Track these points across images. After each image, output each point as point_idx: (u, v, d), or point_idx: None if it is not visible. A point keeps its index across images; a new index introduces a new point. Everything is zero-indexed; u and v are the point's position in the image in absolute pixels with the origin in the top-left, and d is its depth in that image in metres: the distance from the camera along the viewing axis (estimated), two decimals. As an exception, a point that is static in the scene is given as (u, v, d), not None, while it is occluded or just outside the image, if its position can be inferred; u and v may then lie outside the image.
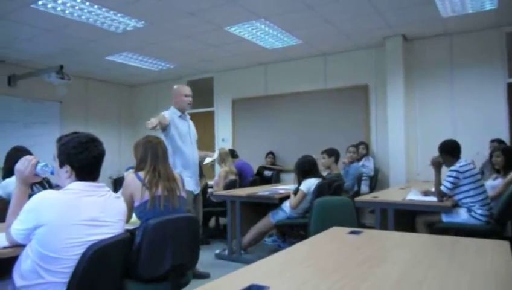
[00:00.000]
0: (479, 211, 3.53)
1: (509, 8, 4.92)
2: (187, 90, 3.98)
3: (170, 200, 2.40)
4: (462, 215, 3.59)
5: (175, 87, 4.06)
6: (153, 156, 2.48)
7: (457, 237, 2.08)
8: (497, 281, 1.35)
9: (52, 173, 1.91)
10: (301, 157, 4.52)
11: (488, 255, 1.70)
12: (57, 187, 2.13)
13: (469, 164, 3.67)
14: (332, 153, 5.13)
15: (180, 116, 3.89)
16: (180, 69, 7.83)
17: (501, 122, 5.58)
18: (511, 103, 5.57)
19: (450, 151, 3.75)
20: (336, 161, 5.17)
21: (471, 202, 3.57)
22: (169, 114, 3.77)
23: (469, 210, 3.57)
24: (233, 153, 6.53)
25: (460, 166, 3.62)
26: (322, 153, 5.16)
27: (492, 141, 5.18)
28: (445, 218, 3.63)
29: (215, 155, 4.40)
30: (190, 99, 3.96)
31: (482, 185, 3.65)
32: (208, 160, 4.38)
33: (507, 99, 5.58)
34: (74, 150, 1.80)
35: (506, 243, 1.83)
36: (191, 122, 4.05)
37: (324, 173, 4.90)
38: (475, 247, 1.86)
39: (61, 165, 1.83)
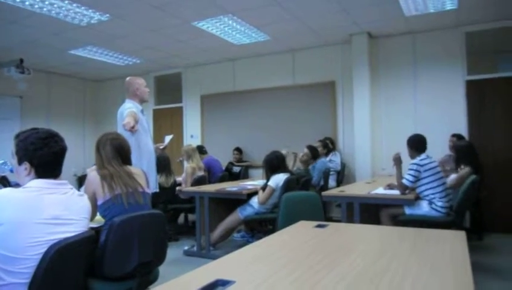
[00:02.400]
0: (439, 203, 3.68)
1: (469, 8, 5.11)
2: (144, 80, 3.91)
3: (134, 197, 2.36)
4: (423, 208, 3.72)
5: (130, 79, 3.85)
6: (108, 154, 2.43)
7: (419, 229, 2.16)
8: (455, 269, 1.41)
9: (11, 170, 1.84)
10: (270, 153, 4.55)
11: (447, 245, 1.78)
12: (16, 185, 2.05)
13: (429, 157, 3.82)
14: (314, 153, 5.43)
15: (141, 111, 3.75)
16: (147, 64, 7.68)
17: (460, 118, 5.81)
18: (469, 99, 5.79)
19: (415, 145, 3.91)
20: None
21: (432, 194, 3.71)
22: (136, 109, 3.58)
23: (430, 202, 3.71)
24: (201, 149, 6.49)
25: (420, 159, 3.77)
26: (307, 147, 5.50)
27: (453, 135, 5.40)
28: (407, 210, 3.76)
29: (166, 141, 4.22)
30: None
31: (442, 178, 3.80)
32: (161, 147, 4.24)
33: (466, 95, 5.81)
34: (33, 146, 1.74)
35: (462, 233, 1.93)
36: None
37: (298, 167, 5.01)
38: (435, 237, 1.94)
39: (20, 162, 1.76)
